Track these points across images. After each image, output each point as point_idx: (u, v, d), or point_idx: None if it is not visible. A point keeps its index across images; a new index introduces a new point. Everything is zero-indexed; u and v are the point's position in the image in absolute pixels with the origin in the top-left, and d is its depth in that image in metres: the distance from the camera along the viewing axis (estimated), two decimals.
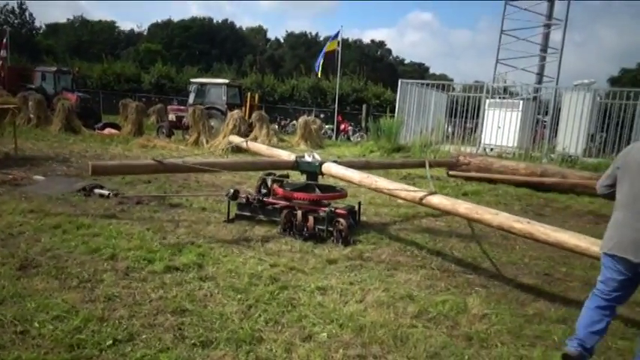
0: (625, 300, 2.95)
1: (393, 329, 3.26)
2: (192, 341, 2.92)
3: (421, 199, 4.62)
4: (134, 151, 12.53)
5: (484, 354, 3.05)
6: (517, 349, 3.13)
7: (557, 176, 9.76)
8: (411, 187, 4.96)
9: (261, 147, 7.68)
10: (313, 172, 5.91)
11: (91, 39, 56.05)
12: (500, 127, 15.11)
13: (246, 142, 7.87)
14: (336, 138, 23.35)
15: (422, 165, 7.41)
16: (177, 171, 5.36)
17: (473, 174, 10.50)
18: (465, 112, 16.01)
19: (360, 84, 29.34)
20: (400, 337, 3.17)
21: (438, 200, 4.57)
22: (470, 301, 3.86)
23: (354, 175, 5.51)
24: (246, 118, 16.89)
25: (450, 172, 10.78)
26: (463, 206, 4.38)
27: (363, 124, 24.54)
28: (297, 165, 5.90)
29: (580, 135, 14.13)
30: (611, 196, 3.07)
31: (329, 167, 5.78)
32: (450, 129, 16.73)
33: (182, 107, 18.03)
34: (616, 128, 13.84)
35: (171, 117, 17.59)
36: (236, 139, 9.83)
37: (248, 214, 5.93)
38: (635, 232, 2.76)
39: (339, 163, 6.06)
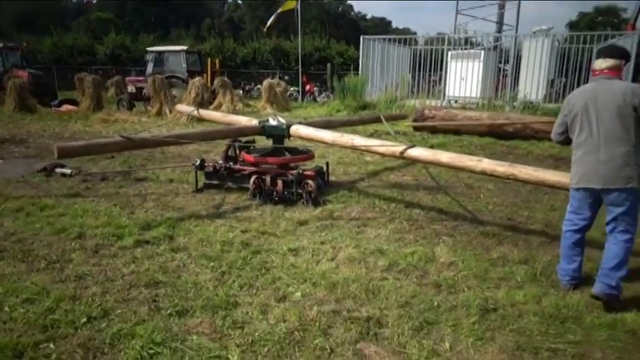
0: (590, 225, 3.38)
1: (365, 283, 3.35)
2: (168, 311, 2.95)
3: (402, 152, 4.63)
4: (95, 126, 12.14)
5: (452, 299, 3.19)
6: (483, 292, 3.28)
7: (519, 123, 9.98)
8: (389, 142, 4.98)
9: (215, 115, 7.47)
10: (281, 135, 5.85)
11: (37, 11, 52.88)
12: (464, 79, 15.23)
13: (197, 110, 7.55)
14: (303, 99, 23.11)
15: (377, 120, 7.43)
16: (146, 146, 5.20)
17: (438, 124, 10.62)
18: (429, 66, 16.03)
19: (322, 43, 28.86)
20: (372, 290, 3.27)
21: (418, 152, 4.62)
22: (437, 250, 3.98)
23: (326, 135, 5.44)
24: (209, 85, 16.49)
25: (415, 126, 10.88)
26: (445, 156, 4.47)
27: (329, 84, 24.33)
28: (263, 130, 5.83)
29: (540, 81, 14.39)
30: (566, 141, 3.42)
31: (297, 130, 5.73)
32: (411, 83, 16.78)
33: (141, 78, 17.43)
34: (574, 72, 14.13)
35: (131, 89, 17.02)
36: (184, 109, 9.32)
37: (216, 182, 5.89)
38: (597, 164, 3.16)
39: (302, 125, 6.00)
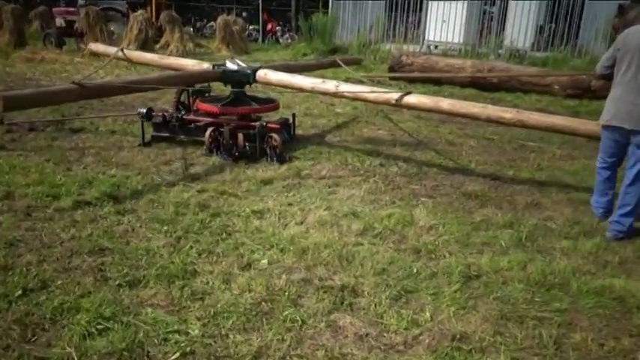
0: (620, 162, 3.97)
1: (338, 249, 3.39)
2: (117, 282, 2.91)
3: (398, 100, 4.71)
4: (18, 66, 11.51)
5: (432, 265, 3.28)
6: (465, 258, 3.38)
7: (505, 73, 10.10)
8: (380, 89, 4.97)
9: (149, 57, 7.01)
10: (244, 82, 5.73)
11: None
12: (445, 22, 15.18)
13: (122, 50, 6.95)
14: (263, 41, 22.56)
15: (333, 65, 7.43)
16: (104, 94, 4.94)
17: (417, 74, 10.64)
18: (407, 5, 15.85)
19: None
20: (346, 256, 3.31)
21: (416, 99, 4.71)
22: (416, 213, 4.05)
23: (303, 81, 5.35)
24: (154, 20, 15.80)
25: (392, 75, 10.86)
26: (446, 102, 4.65)
27: (293, 23, 23.76)
28: (223, 75, 5.65)
29: (529, 27, 14.51)
30: (609, 77, 3.85)
31: (266, 75, 5.60)
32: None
33: (72, 9, 16.48)
34: (565, 18, 14.30)
35: (60, 22, 16.09)
36: (103, 49, 8.16)
37: (166, 134, 5.76)
38: (630, 105, 3.63)
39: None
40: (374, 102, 5.05)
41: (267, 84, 5.73)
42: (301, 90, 5.52)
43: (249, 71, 5.68)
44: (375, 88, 5.08)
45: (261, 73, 5.65)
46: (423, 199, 4.43)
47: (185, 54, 14.50)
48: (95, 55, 13.28)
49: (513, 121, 4.38)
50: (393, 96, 4.75)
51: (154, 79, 5.10)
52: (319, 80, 5.31)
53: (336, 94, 5.25)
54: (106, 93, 4.96)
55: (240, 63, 5.97)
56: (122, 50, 6.86)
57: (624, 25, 3.79)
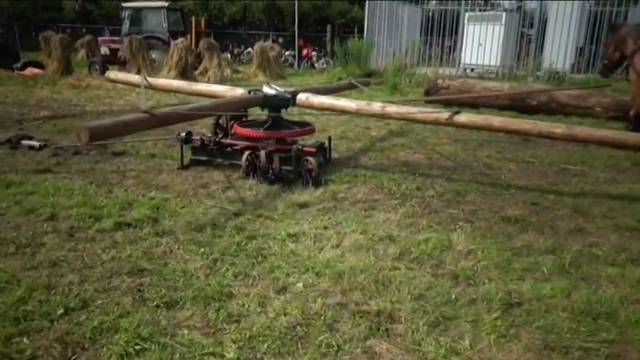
0: None
1: (374, 273, 3.36)
2: (155, 303, 2.95)
3: (448, 119, 4.84)
4: (64, 93, 12.01)
5: (471, 291, 3.20)
6: (505, 284, 3.30)
7: (544, 96, 9.94)
8: (429, 109, 5.08)
9: (177, 84, 7.24)
10: (283, 106, 5.87)
11: None
12: (482, 44, 15.12)
13: (145, 78, 7.05)
14: (299, 66, 22.93)
15: (350, 87, 7.61)
16: (170, 122, 5.16)
17: (452, 97, 10.58)
18: (443, 29, 15.87)
19: (322, 1, 28.49)
20: (382, 281, 3.27)
21: (466, 118, 4.83)
22: (454, 237, 3.99)
23: (348, 104, 5.49)
24: (193, 47, 16.29)
25: (427, 99, 10.84)
26: (496, 120, 4.79)
27: (329, 48, 24.08)
28: (264, 100, 5.78)
29: (568, 49, 14.30)
30: None
31: (308, 98, 5.72)
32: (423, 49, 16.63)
33: (115, 38, 17.22)
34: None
35: (104, 50, 16.81)
36: (120, 76, 7.93)
37: (204, 158, 5.87)
38: None
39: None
40: (422, 122, 5.17)
41: (309, 107, 5.84)
42: (344, 112, 5.61)
43: (288, 95, 5.78)
44: (423, 108, 5.13)
45: (302, 97, 5.74)
46: (460, 223, 4.36)
47: (223, 80, 14.87)
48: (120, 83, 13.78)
49: (564, 136, 4.49)
50: (443, 115, 4.88)
51: (210, 106, 5.26)
52: (364, 102, 5.38)
53: (382, 116, 5.36)
54: (172, 121, 5.10)
55: (277, 88, 6.08)
56: (145, 78, 7.02)
57: (615, 41, 3.82)
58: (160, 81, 7.48)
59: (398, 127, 8.53)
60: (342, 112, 5.67)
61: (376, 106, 5.28)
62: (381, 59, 16.27)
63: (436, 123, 4.95)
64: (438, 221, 4.39)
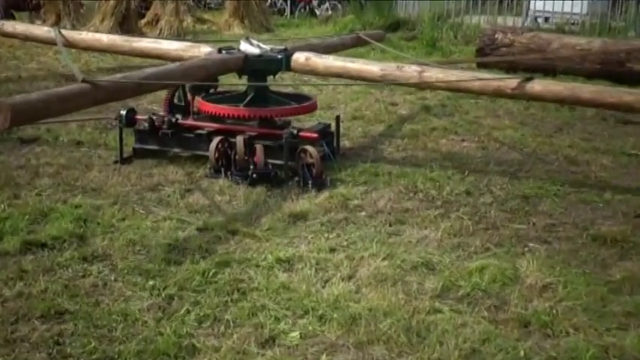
0: None
1: (405, 318, 3.34)
2: None
3: (515, 89, 4.85)
4: None
5: (548, 346, 3.18)
6: (600, 336, 3.27)
7: None
8: (487, 74, 5.08)
9: (111, 40, 7.39)
10: (273, 70, 5.90)
11: None
12: None
13: (58, 30, 7.08)
14: (293, 13, 22.90)
15: (359, 42, 7.84)
16: (120, 97, 5.17)
17: (518, 58, 10.51)
18: None
19: None
20: (416, 329, 3.26)
21: (542, 87, 4.86)
22: (522, 265, 3.97)
23: (370, 68, 5.55)
24: None
25: (481, 60, 10.80)
26: (586, 89, 4.80)
27: None
28: (244, 61, 5.79)
29: None
30: None
31: (309, 60, 5.76)
32: None
33: None
34: None
35: None
36: (19, 28, 8.11)
37: (155, 147, 5.85)
38: None
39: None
40: (478, 92, 5.19)
41: (309, 73, 5.86)
42: (362, 80, 5.63)
43: (279, 55, 5.75)
44: (477, 74, 5.13)
45: (300, 58, 5.76)
46: (531, 244, 4.35)
47: (181, 33, 14.84)
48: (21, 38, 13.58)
49: None
50: (508, 83, 4.86)
51: (175, 72, 5.31)
52: (392, 65, 5.39)
53: (418, 85, 5.41)
54: (122, 94, 5.13)
55: (260, 45, 6.07)
56: (59, 31, 6.96)
57: None
58: (83, 35, 7.46)
59: (438, 102, 8.50)
60: (360, 79, 5.68)
61: (410, 71, 5.31)
62: (413, 3, 16.25)
63: (497, 94, 4.97)
64: (498, 241, 4.36)
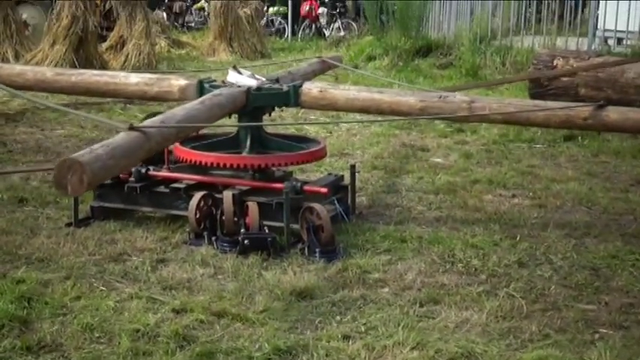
0: None
1: None
2: None
3: (587, 118, 4.99)
4: None
5: None
6: None
7: None
8: (551, 103, 5.13)
9: (40, 73, 7.15)
10: (279, 105, 6.06)
11: None
12: None
13: None
14: (295, 34, 23.22)
15: (325, 68, 8.00)
16: (165, 144, 5.24)
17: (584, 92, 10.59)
18: None
19: None
20: None
21: (619, 115, 4.98)
22: (592, 357, 3.94)
23: (404, 99, 5.66)
24: (98, 0, 16.56)
25: (536, 91, 10.86)
26: None
27: (349, 2, 24.40)
28: (246, 97, 5.84)
29: None
30: None
31: (322, 92, 5.88)
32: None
33: None
34: None
35: None
36: None
37: (119, 205, 5.92)
38: None
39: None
40: (543, 125, 5.26)
41: (325, 109, 5.89)
42: (398, 116, 5.72)
43: (285, 88, 5.87)
44: (541, 103, 5.21)
45: (312, 90, 5.87)
46: (603, 330, 4.33)
47: (152, 61, 14.99)
48: None
49: None
50: (579, 112, 4.99)
51: (202, 113, 5.27)
52: (433, 95, 5.46)
53: (469, 119, 5.45)
54: (168, 141, 5.16)
55: (255, 75, 6.15)
56: None
57: None
58: (17, 68, 7.53)
59: (481, 147, 8.57)
60: (393, 114, 5.83)
61: (457, 101, 5.42)
62: (448, 21, 16.39)
63: (566, 125, 5.03)
64: (560, 326, 4.35)
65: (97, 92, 6.75)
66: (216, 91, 5.96)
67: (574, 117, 5.07)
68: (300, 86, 5.95)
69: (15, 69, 7.67)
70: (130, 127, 4.56)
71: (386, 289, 4.78)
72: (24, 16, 15.77)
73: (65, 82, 6.86)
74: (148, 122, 4.96)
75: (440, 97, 5.61)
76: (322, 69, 7.90)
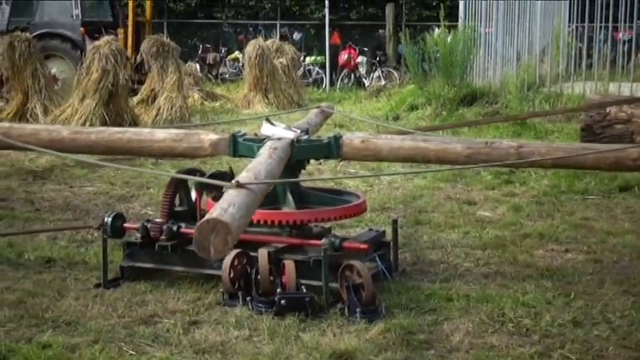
0: None
1: None
2: None
3: (637, 159, 5.03)
4: None
5: None
6: None
7: None
8: (600, 145, 5.17)
9: (56, 132, 6.82)
10: (319, 156, 6.13)
11: None
12: None
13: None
14: (333, 84, 23.38)
15: (326, 118, 7.98)
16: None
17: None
18: (613, 10, 16.05)
19: None
20: None
21: None
22: None
23: (455, 145, 5.71)
24: (131, 51, 16.80)
25: (586, 139, 10.82)
26: None
27: (390, 50, 24.57)
28: (292, 148, 5.88)
29: None
30: None
31: (365, 142, 5.91)
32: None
33: None
34: None
35: None
36: None
37: (150, 265, 5.94)
38: None
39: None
40: (592, 168, 5.48)
41: (368, 159, 5.94)
42: (444, 164, 5.92)
43: (326, 139, 5.93)
44: (589, 146, 5.27)
45: (354, 140, 5.90)
46: None
47: (185, 114, 15.13)
48: (21, 116, 14.06)
49: None
50: (630, 153, 5.02)
51: (274, 167, 5.37)
52: (478, 142, 5.50)
53: (517, 164, 5.78)
54: (263, 197, 5.29)
55: (290, 127, 6.19)
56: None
57: None
58: (18, 128, 7.30)
59: (531, 199, 8.53)
60: (440, 163, 5.93)
61: (505, 147, 5.47)
62: (493, 68, 16.41)
63: (616, 168, 5.01)
64: None
65: (120, 151, 6.66)
66: (271, 144, 6.00)
67: (623, 158, 5.08)
68: (341, 137, 5.98)
69: (26, 129, 7.40)
70: (237, 184, 4.64)
71: (432, 352, 4.73)
72: (53, 70, 16.02)
73: (83, 142, 6.71)
74: (243, 179, 4.99)
75: (487, 144, 5.65)
76: (325, 117, 7.91)
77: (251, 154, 6.00)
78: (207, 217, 4.16)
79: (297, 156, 5.90)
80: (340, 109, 16.76)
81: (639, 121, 10.96)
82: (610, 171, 5.24)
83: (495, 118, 11.69)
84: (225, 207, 4.22)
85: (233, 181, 4.75)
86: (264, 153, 5.60)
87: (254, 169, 5.12)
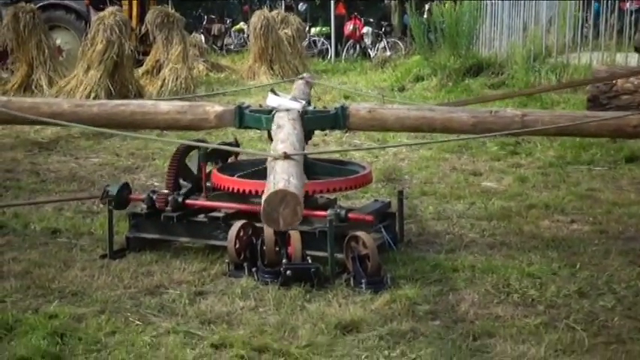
0: None
1: None
2: None
3: (637, 126, 5.06)
4: None
5: None
6: None
7: None
8: (602, 113, 5.21)
9: (55, 105, 6.80)
10: (324, 128, 6.16)
11: None
12: None
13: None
14: (338, 55, 23.31)
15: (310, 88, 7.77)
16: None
17: None
18: None
19: None
20: None
21: None
22: None
23: (460, 115, 5.75)
24: (135, 22, 16.74)
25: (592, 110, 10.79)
26: None
27: (395, 21, 24.48)
28: (303, 121, 5.90)
29: None
30: None
31: (372, 113, 5.91)
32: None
33: None
34: None
35: None
36: None
37: (155, 235, 5.94)
38: None
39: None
40: (595, 135, 5.47)
41: (375, 129, 5.95)
42: (451, 133, 5.94)
43: (332, 109, 5.95)
44: (590, 113, 5.31)
45: (360, 111, 5.90)
46: None
47: (190, 84, 15.10)
48: (26, 88, 14.04)
49: None
50: (630, 121, 5.04)
51: (303, 139, 5.43)
52: (483, 111, 5.57)
53: (521, 133, 5.94)
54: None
55: (297, 97, 6.17)
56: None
57: None
58: (18, 101, 7.29)
59: (537, 170, 8.53)
60: (446, 132, 5.91)
61: (510, 115, 5.50)
62: (499, 39, 16.34)
63: (617, 134, 5.03)
64: None
65: (122, 123, 6.55)
66: (288, 115, 5.99)
67: (624, 125, 5.12)
68: (347, 107, 5.97)
69: (25, 102, 7.32)
70: (285, 155, 4.65)
71: (437, 322, 4.73)
72: (58, 41, 15.98)
73: (85, 114, 6.59)
74: (288, 150, 4.98)
75: (491, 113, 5.66)
76: (310, 87, 7.89)
77: (258, 125, 6.01)
78: (274, 188, 4.14)
79: (306, 127, 5.88)
80: (346, 80, 16.75)
81: None
82: (611, 137, 5.26)
83: (505, 94, 11.67)
84: (287, 177, 4.22)
85: (280, 152, 4.72)
86: (287, 124, 5.60)
87: (289, 140, 5.14)
